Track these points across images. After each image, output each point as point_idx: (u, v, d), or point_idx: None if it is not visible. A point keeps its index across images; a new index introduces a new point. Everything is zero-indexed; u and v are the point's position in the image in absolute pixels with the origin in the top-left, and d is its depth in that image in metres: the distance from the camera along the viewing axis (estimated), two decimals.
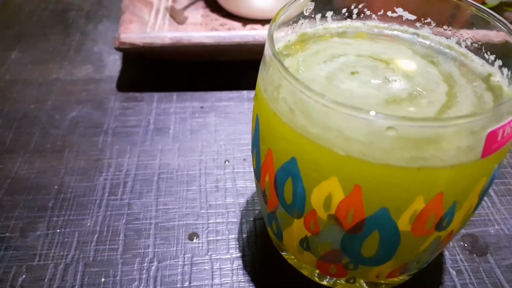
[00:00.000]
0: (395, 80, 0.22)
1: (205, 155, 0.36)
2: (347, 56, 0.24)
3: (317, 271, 0.26)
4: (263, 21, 0.48)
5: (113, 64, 0.44)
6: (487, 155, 0.19)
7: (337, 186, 0.19)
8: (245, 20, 0.48)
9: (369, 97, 0.21)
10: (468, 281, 0.27)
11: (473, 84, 0.23)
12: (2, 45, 0.47)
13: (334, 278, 0.25)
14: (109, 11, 0.53)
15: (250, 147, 0.35)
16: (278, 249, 0.28)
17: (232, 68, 0.43)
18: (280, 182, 0.22)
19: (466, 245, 0.29)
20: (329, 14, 0.26)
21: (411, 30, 0.26)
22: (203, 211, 0.31)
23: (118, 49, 0.38)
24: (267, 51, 0.21)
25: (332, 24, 0.26)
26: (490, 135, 0.18)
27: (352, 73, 0.22)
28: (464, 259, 0.28)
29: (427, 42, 0.26)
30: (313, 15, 0.26)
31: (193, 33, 0.37)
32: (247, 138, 0.37)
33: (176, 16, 0.46)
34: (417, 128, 0.17)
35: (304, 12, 0.25)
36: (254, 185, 0.33)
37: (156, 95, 0.41)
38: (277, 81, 0.20)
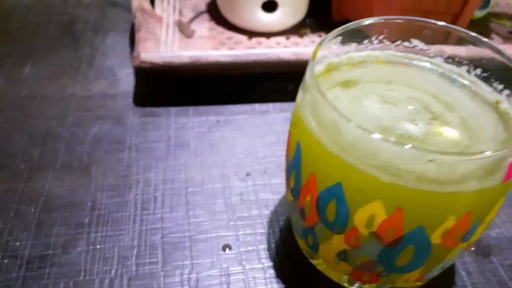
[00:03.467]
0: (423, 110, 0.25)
1: (227, 168, 0.38)
2: (380, 87, 0.26)
3: (347, 277, 0.29)
4: (268, 35, 0.50)
5: (126, 78, 0.46)
6: (508, 179, 0.22)
7: (380, 208, 0.22)
8: (250, 33, 0.50)
9: (408, 130, 0.24)
10: (477, 281, 0.31)
11: (485, 110, 0.26)
12: (13, 60, 0.47)
13: (365, 284, 0.28)
14: (114, 23, 0.54)
15: (268, 159, 0.38)
16: (308, 257, 0.31)
17: (243, 81, 0.46)
18: (323, 203, 0.24)
19: (472, 248, 0.33)
20: (353, 45, 0.29)
21: (425, 58, 0.29)
22: (232, 223, 0.34)
23: (137, 68, 0.39)
24: (313, 88, 0.23)
25: (354, 53, 0.29)
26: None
27: (389, 103, 0.25)
28: (472, 261, 0.32)
29: (440, 70, 0.29)
30: (339, 48, 0.28)
31: (210, 52, 0.39)
32: (264, 151, 0.39)
33: (184, 30, 0.48)
34: (453, 161, 0.20)
35: (333, 46, 0.27)
36: (275, 197, 0.36)
37: (173, 110, 0.43)
38: (325, 117, 0.22)
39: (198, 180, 0.37)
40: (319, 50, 0.25)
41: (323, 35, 0.51)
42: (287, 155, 0.28)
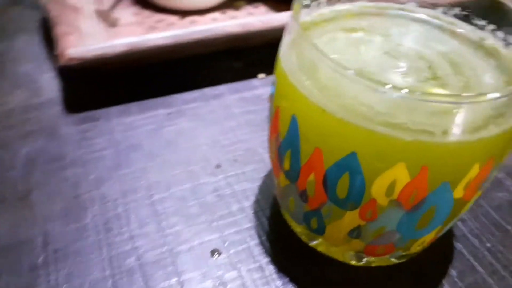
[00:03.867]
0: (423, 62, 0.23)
1: (193, 164, 0.33)
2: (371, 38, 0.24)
3: (353, 253, 0.26)
4: (201, 12, 0.46)
5: (50, 83, 0.39)
6: None
7: (403, 171, 0.19)
8: (182, 13, 0.45)
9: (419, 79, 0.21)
10: (473, 227, 0.30)
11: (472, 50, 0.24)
12: None
13: (375, 257, 0.26)
14: (19, 24, 0.46)
15: (235, 146, 0.34)
16: (307, 241, 0.28)
17: (185, 66, 0.41)
18: (333, 178, 0.21)
19: None
20: (322, 1, 0.26)
21: (396, 5, 0.27)
22: (214, 224, 0.30)
23: (63, 67, 0.33)
24: (310, 52, 0.20)
25: (325, 9, 0.26)
26: None
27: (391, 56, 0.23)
28: None
29: (413, 15, 0.27)
30: (310, 4, 0.25)
31: (148, 36, 0.34)
32: (229, 138, 0.35)
33: (106, 19, 0.42)
34: (480, 104, 0.18)
35: (305, 1, 0.24)
36: (253, 186, 0.32)
37: (113, 110, 0.37)
38: (328, 77, 0.19)
39: (163, 184, 0.32)
40: (300, 5, 0.22)
41: (261, 6, 0.48)
42: (275, 134, 0.24)
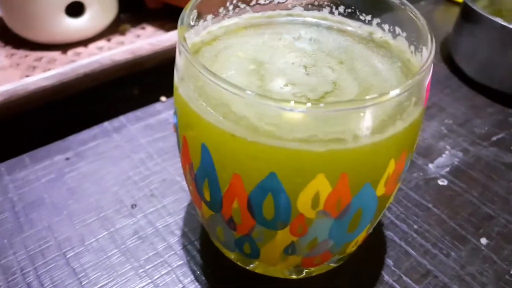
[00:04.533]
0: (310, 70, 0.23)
1: (105, 209, 0.30)
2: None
3: (292, 268, 0.25)
4: (83, 42, 0.42)
5: None
6: (426, 102, 0.21)
7: (324, 182, 0.19)
8: (62, 47, 0.41)
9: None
10: (398, 212, 0.31)
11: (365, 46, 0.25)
12: None
13: (315, 267, 0.26)
14: None
15: (149, 180, 0.32)
16: (244, 265, 0.27)
17: (76, 102, 0.37)
18: (257, 202, 0.20)
19: None
20: (209, 17, 0.25)
21: (284, 12, 0.27)
22: (141, 271, 0.27)
23: None
24: (204, 78, 0.18)
25: (213, 26, 0.25)
26: (427, 88, 0.20)
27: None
28: None
29: (302, 19, 0.27)
30: (197, 23, 0.24)
31: (26, 79, 0.30)
32: (140, 172, 0.33)
33: None
34: (384, 104, 0.18)
35: (191, 22, 0.23)
36: (177, 218, 0.30)
37: (1, 167, 0.32)
38: (228, 102, 0.18)
39: (75, 238, 0.29)
40: (184, 29, 0.20)
41: (147, 26, 0.45)
42: (188, 165, 0.22)
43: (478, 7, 0.40)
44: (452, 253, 0.29)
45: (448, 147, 0.36)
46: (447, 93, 0.42)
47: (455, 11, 0.47)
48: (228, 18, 0.25)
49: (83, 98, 0.37)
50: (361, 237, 0.24)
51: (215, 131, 0.19)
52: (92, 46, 0.41)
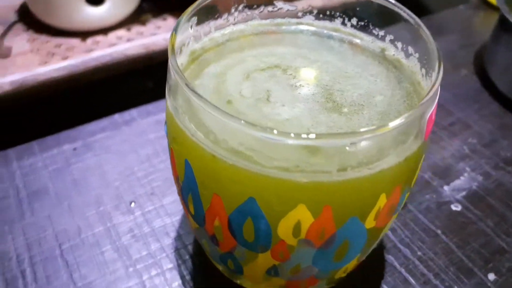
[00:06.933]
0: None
1: (104, 204, 0.31)
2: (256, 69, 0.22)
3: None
4: (104, 31, 0.42)
5: None
6: (428, 135, 0.19)
7: (305, 212, 0.18)
8: (83, 34, 0.42)
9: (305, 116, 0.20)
10: (403, 235, 0.29)
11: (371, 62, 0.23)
12: None
13: None
14: None
15: (151, 177, 0.32)
16: (232, 278, 0.26)
17: (89, 92, 0.38)
18: (237, 224, 0.19)
19: None
20: (212, 24, 0.24)
21: (294, 20, 0.25)
22: (131, 269, 0.27)
23: None
24: (187, 93, 0.17)
25: (216, 33, 0.24)
26: (429, 121, 0.19)
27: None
28: None
29: (312, 29, 0.25)
30: (198, 30, 0.23)
31: (38, 69, 0.30)
32: (144, 169, 0.33)
33: None
34: (375, 138, 0.17)
35: (190, 29, 0.22)
36: (174, 220, 0.30)
37: (11, 152, 0.33)
38: (212, 122, 0.17)
39: (72, 230, 0.29)
40: (176, 39, 0.20)
41: (168, 17, 0.45)
42: (175, 175, 0.22)
43: None
44: (455, 287, 0.27)
45: (468, 169, 0.34)
46: (475, 109, 0.39)
47: (495, 19, 0.44)
48: (234, 24, 0.24)
49: (95, 89, 0.37)
50: (351, 265, 0.23)
51: (197, 149, 0.18)
52: (112, 35, 0.41)
